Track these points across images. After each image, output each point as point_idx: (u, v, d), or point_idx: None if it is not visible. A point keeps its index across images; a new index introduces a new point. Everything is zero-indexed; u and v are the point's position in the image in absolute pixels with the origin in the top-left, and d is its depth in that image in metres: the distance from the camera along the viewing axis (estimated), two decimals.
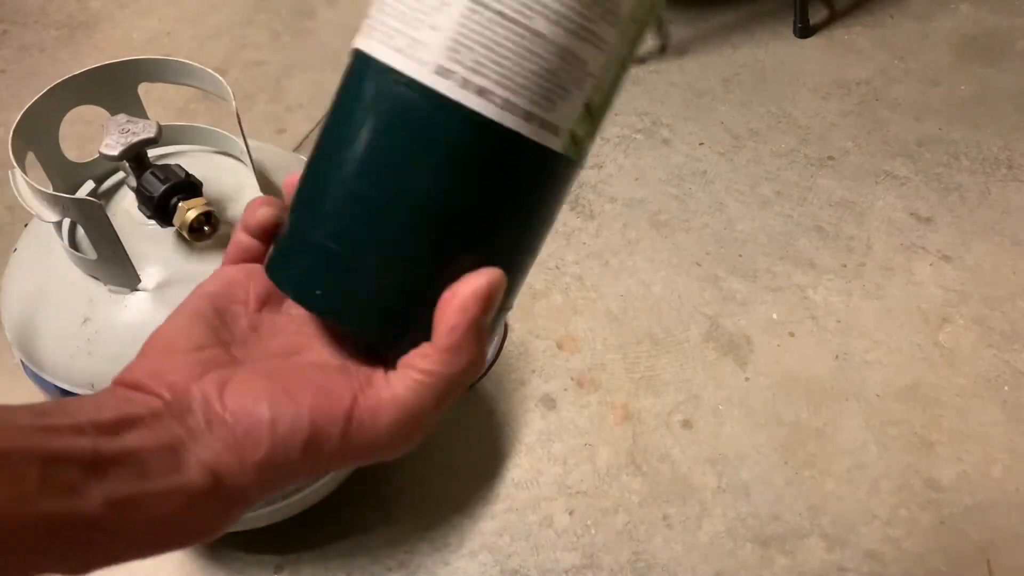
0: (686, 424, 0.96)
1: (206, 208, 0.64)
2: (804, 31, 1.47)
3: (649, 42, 1.48)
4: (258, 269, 0.33)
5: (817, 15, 1.51)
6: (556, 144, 0.29)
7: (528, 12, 0.27)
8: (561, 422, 0.96)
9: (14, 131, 0.64)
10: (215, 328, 0.31)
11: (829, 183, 1.22)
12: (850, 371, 1.00)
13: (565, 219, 1.18)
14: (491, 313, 0.29)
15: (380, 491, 0.91)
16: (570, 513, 0.89)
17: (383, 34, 0.28)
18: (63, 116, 0.69)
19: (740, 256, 1.13)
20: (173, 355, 0.30)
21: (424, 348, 0.29)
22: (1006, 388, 0.98)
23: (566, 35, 0.27)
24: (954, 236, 1.14)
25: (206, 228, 0.64)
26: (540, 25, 0.27)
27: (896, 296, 1.08)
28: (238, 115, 0.69)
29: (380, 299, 0.29)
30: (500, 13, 0.27)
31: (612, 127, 1.32)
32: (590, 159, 1.26)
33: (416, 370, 0.29)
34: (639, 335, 1.04)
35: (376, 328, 0.30)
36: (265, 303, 0.32)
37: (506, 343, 1.04)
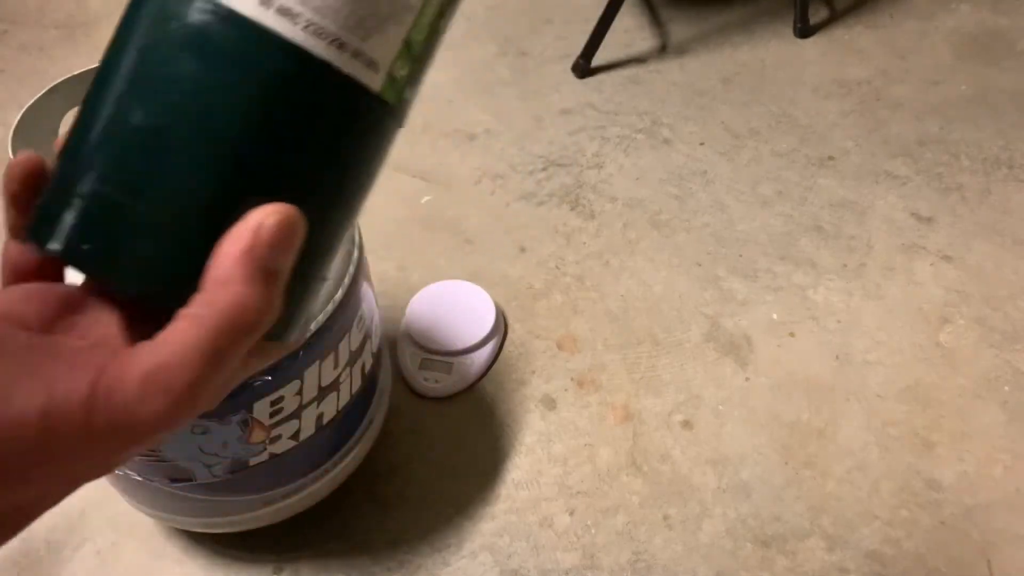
0: (686, 424, 0.96)
1: None
2: (804, 31, 1.47)
3: (649, 41, 1.48)
4: (41, 289, 0.27)
5: (817, 15, 1.51)
6: (373, 81, 0.26)
7: None
8: (561, 422, 0.96)
9: (14, 131, 0.64)
10: None
11: (829, 183, 1.22)
12: (851, 371, 1.00)
13: (565, 219, 1.18)
14: (281, 251, 0.24)
15: (380, 491, 0.91)
16: (570, 513, 0.89)
17: None
18: (63, 116, 0.68)
19: (740, 256, 1.13)
20: None
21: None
22: (1007, 388, 0.98)
23: None
24: (955, 236, 1.14)
25: None
26: None
27: (897, 296, 1.07)
28: None
29: (158, 249, 0.25)
30: None
31: (612, 127, 1.32)
32: (591, 159, 1.26)
33: (176, 319, 0.24)
34: (639, 335, 1.04)
35: (153, 284, 0.25)
36: (52, 326, 0.26)
37: (506, 343, 1.04)
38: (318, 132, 0.26)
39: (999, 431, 0.94)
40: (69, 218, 0.25)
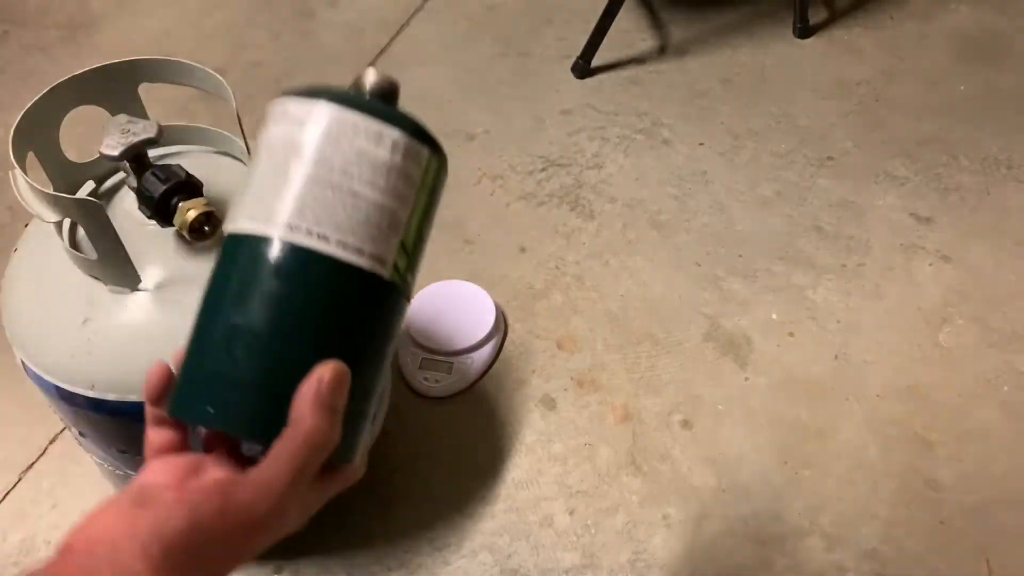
0: (686, 424, 0.96)
1: (207, 208, 0.64)
2: (804, 31, 1.47)
3: (649, 42, 1.48)
4: (175, 458, 0.39)
5: (817, 15, 1.51)
6: (383, 271, 0.38)
7: (347, 180, 0.37)
8: (561, 422, 0.96)
9: (15, 131, 0.64)
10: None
11: (829, 183, 1.22)
12: (850, 371, 1.00)
13: (565, 219, 1.18)
14: (336, 394, 0.36)
15: (381, 491, 0.91)
16: (570, 513, 0.89)
17: (245, 215, 0.38)
18: (63, 116, 0.69)
19: (740, 256, 1.13)
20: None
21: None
22: (1006, 388, 0.98)
23: (377, 194, 0.38)
24: (954, 236, 1.14)
25: (206, 228, 0.64)
26: (359, 189, 0.37)
27: (896, 296, 1.08)
28: (238, 115, 0.69)
29: (260, 406, 0.37)
30: (328, 184, 0.37)
31: (612, 127, 1.32)
32: (591, 159, 1.26)
33: (272, 447, 0.36)
34: (639, 335, 1.04)
35: (257, 429, 0.37)
36: (186, 480, 0.38)
37: (506, 343, 1.04)
38: (353, 308, 0.38)
39: (998, 431, 0.94)
40: (198, 395, 0.38)
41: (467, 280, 1.07)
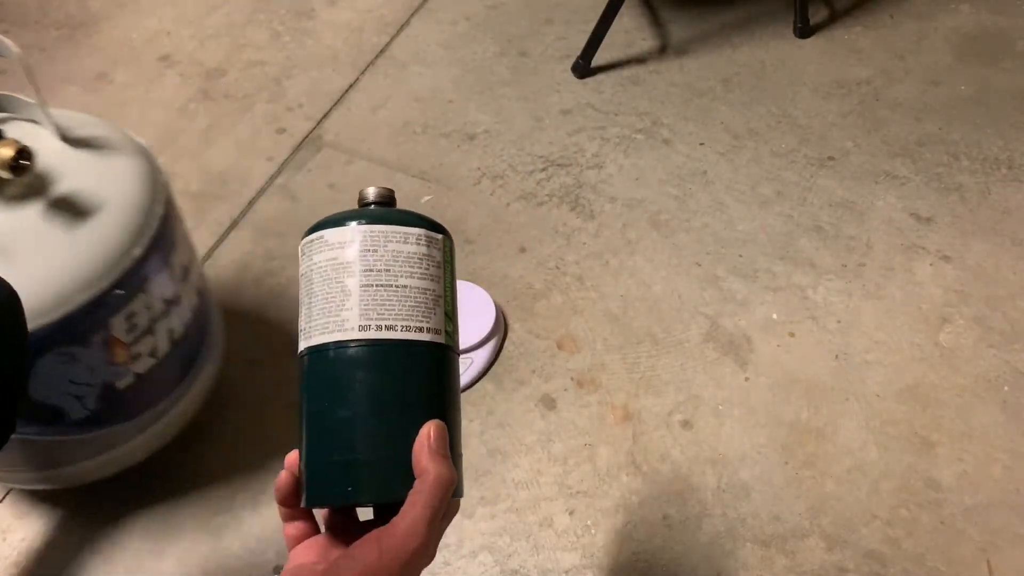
0: (686, 424, 0.96)
1: (18, 145, 0.68)
2: (804, 31, 1.47)
3: (649, 42, 1.48)
4: (315, 541, 0.48)
5: (817, 15, 1.51)
6: (440, 339, 0.47)
7: (392, 278, 0.47)
8: (561, 422, 0.96)
9: None
10: None
11: (829, 183, 1.22)
12: (850, 371, 1.00)
13: (565, 219, 1.18)
14: (443, 443, 0.45)
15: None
16: (570, 513, 0.89)
17: (318, 331, 0.46)
18: None
19: (740, 256, 1.13)
20: None
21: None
22: (1006, 388, 0.98)
23: (417, 281, 0.47)
24: (954, 236, 1.14)
25: (23, 162, 0.68)
26: (403, 282, 0.47)
27: (896, 296, 1.08)
28: (32, 78, 0.72)
29: (381, 476, 0.45)
30: (378, 285, 0.46)
31: (612, 127, 1.32)
32: (591, 159, 1.26)
33: (408, 500, 0.43)
34: (639, 335, 1.04)
35: (387, 495, 0.45)
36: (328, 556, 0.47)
37: (506, 343, 1.04)
38: (428, 374, 0.47)
39: (998, 431, 0.94)
40: (332, 482, 0.45)
41: (467, 280, 1.06)
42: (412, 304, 0.47)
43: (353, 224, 0.47)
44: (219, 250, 1.16)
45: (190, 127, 1.34)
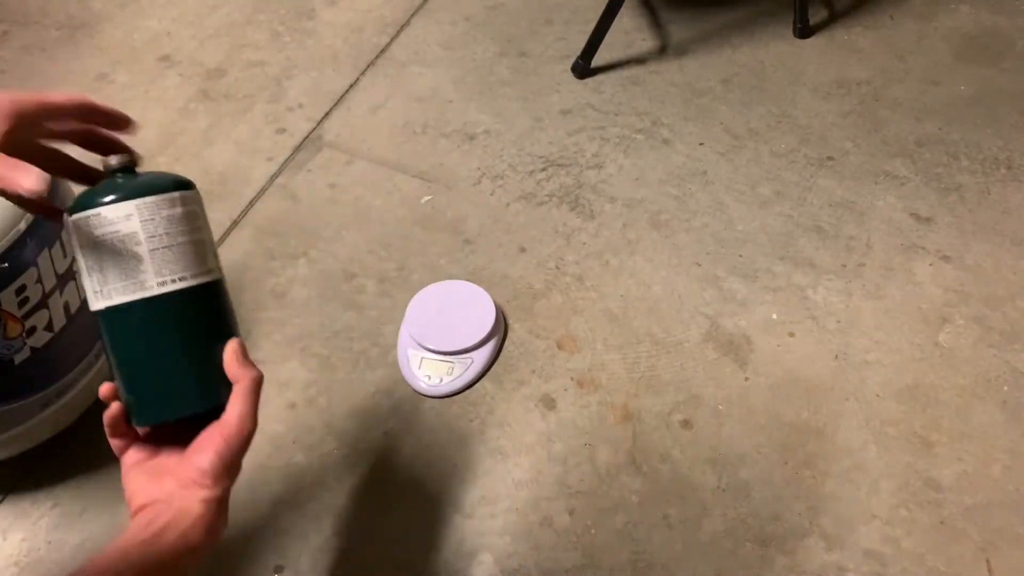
0: (686, 424, 0.96)
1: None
2: (804, 31, 1.47)
3: (649, 42, 1.48)
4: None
5: (817, 15, 1.51)
6: (218, 275, 0.60)
7: (172, 239, 0.56)
8: (561, 422, 0.96)
9: None
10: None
11: (829, 183, 1.22)
12: (850, 371, 1.00)
13: (565, 219, 1.18)
14: (244, 350, 0.58)
15: (380, 491, 0.91)
16: (570, 513, 0.89)
17: (118, 291, 0.55)
18: None
19: (740, 256, 1.13)
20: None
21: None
22: (1006, 388, 0.98)
23: (190, 235, 0.58)
24: (954, 236, 1.14)
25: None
26: (181, 239, 0.57)
27: (896, 296, 1.08)
28: None
29: (208, 384, 0.58)
30: (163, 247, 0.56)
31: (612, 127, 1.32)
32: (591, 159, 1.26)
33: (234, 396, 0.57)
34: (639, 335, 1.04)
35: (216, 395, 0.57)
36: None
37: (506, 343, 1.04)
38: (219, 303, 0.60)
39: (998, 431, 0.94)
40: (156, 405, 0.58)
41: (467, 280, 1.07)
42: (192, 255, 0.57)
43: (130, 202, 0.55)
44: (219, 250, 1.16)
45: (190, 127, 1.34)
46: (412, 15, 1.55)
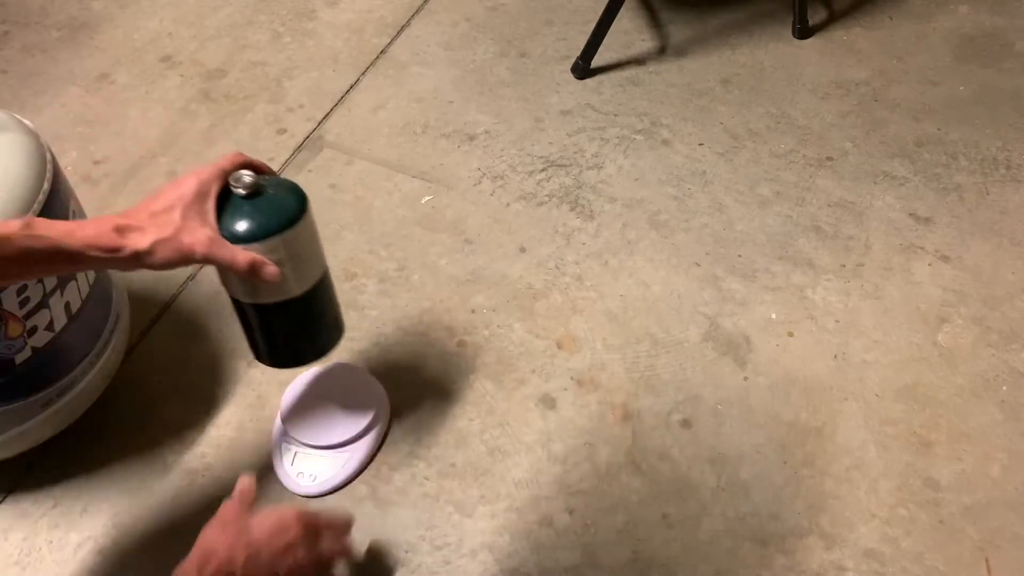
0: (685, 424, 0.96)
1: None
2: (803, 32, 1.47)
3: (648, 43, 1.48)
4: None
5: (816, 16, 1.52)
6: (327, 264, 0.77)
7: (313, 246, 0.75)
8: (561, 422, 0.97)
9: None
10: None
11: (828, 183, 1.22)
12: (849, 371, 1.00)
13: (565, 219, 1.18)
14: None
15: (380, 491, 0.91)
16: (570, 512, 0.89)
17: (265, 294, 0.72)
18: None
19: (739, 256, 1.13)
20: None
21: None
22: (1004, 388, 0.98)
23: (317, 244, 0.75)
24: (953, 236, 1.14)
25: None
26: (317, 249, 0.75)
27: (895, 296, 1.08)
28: None
29: (337, 335, 0.83)
30: (305, 256, 0.74)
31: (612, 128, 1.32)
32: (591, 159, 1.26)
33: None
34: (639, 335, 1.05)
35: (336, 342, 0.82)
36: None
37: (507, 343, 1.04)
38: (331, 285, 0.80)
39: (997, 430, 0.94)
40: (303, 354, 0.81)
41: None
42: (318, 257, 0.75)
43: (275, 238, 0.68)
44: None
45: (191, 128, 1.34)
46: (412, 16, 1.56)
